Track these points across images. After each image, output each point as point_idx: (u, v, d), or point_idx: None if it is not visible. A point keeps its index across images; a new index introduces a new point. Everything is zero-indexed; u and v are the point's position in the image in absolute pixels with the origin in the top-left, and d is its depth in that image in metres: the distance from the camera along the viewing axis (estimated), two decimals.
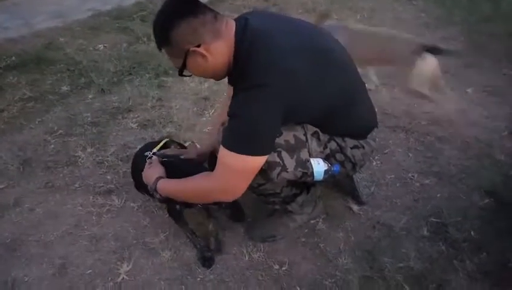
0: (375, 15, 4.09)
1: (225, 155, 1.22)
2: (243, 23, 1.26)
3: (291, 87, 1.19)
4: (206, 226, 1.69)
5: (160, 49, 1.30)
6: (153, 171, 1.49)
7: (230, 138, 1.23)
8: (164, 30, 1.22)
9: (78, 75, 3.07)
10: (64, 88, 2.92)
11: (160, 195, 1.43)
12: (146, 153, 1.63)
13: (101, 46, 3.55)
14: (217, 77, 1.35)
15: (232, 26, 1.26)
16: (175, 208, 1.60)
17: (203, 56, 1.23)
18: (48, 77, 3.08)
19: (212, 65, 1.26)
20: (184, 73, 1.31)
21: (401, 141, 2.24)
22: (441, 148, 2.17)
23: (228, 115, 1.25)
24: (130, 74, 3.08)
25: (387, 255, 1.57)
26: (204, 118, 2.53)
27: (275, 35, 1.24)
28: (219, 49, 1.24)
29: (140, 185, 1.64)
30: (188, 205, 1.55)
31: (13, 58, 3.31)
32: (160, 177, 1.45)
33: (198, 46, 1.21)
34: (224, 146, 1.22)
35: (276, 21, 1.35)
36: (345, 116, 1.42)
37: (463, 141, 2.21)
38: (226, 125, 1.26)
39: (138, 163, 1.65)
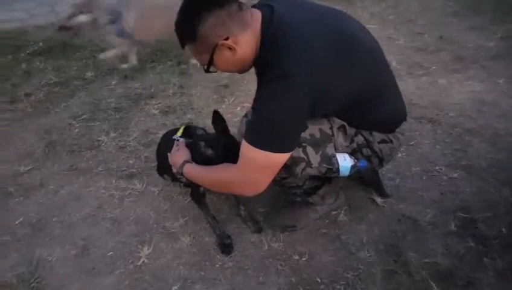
0: (400, 3, 3.96)
1: (248, 150, 1.19)
2: (268, 11, 1.21)
3: (316, 77, 1.15)
4: (236, 213, 1.70)
5: (183, 47, 1.25)
6: (180, 154, 1.49)
7: (253, 132, 1.20)
8: (190, 26, 1.17)
9: (102, 62, 3.10)
10: (89, 74, 2.97)
11: (186, 179, 1.45)
12: (174, 137, 1.63)
13: None
14: (243, 70, 1.31)
15: (258, 15, 1.21)
16: (198, 191, 1.60)
17: (232, 49, 1.18)
18: (73, 63, 3.15)
19: (240, 58, 1.22)
20: (211, 69, 1.26)
21: (428, 133, 2.17)
22: (469, 141, 2.09)
23: (252, 108, 1.22)
24: (153, 61, 3.11)
25: (413, 249, 1.51)
26: (224, 106, 2.52)
27: (300, 23, 1.19)
28: (247, 40, 1.19)
29: (164, 169, 1.65)
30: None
31: (40, 44, 3.40)
32: (186, 161, 1.45)
33: (227, 39, 1.16)
34: (247, 140, 1.19)
35: (301, 8, 1.29)
36: (372, 108, 1.37)
37: (493, 133, 2.12)
38: (250, 118, 1.24)
39: (164, 146, 1.65)
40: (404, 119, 1.51)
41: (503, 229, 1.58)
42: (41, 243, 1.65)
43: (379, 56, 1.37)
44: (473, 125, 2.19)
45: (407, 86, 2.52)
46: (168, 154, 1.56)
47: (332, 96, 1.23)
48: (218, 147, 1.44)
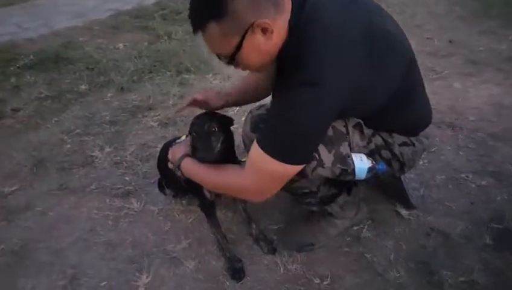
0: (406, 9, 3.98)
1: (262, 159, 1.08)
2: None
3: (349, 86, 1.03)
4: (247, 232, 1.58)
5: (199, 29, 1.04)
6: (180, 148, 1.39)
7: (273, 142, 1.08)
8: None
9: (97, 74, 3.04)
10: (83, 87, 2.88)
11: (182, 174, 1.34)
12: (177, 141, 1.53)
13: (121, 45, 3.55)
14: (265, 66, 1.14)
15: (289, 2, 1.05)
16: (207, 199, 1.46)
17: (266, 33, 1.01)
18: (66, 76, 3.06)
19: (271, 47, 1.05)
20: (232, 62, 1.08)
21: (449, 138, 2.07)
22: (494, 146, 2.00)
23: (270, 112, 1.11)
24: (151, 72, 3.04)
25: (446, 267, 1.39)
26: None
27: (335, 17, 1.04)
28: (281, 27, 1.03)
29: (166, 179, 1.55)
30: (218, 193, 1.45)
31: (31, 57, 3.32)
32: (187, 155, 1.33)
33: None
34: (264, 150, 1.07)
35: None
36: (399, 110, 1.25)
37: None
38: (268, 124, 1.10)
39: (166, 155, 1.52)
40: (430, 122, 1.41)
41: None
42: (25, 273, 1.51)
43: (410, 52, 1.24)
44: (495, 130, 2.10)
45: None
46: (170, 149, 1.45)
47: (362, 103, 1.14)
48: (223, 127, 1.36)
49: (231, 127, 1.43)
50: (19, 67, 3.19)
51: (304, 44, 1.01)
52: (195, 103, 1.48)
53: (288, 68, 1.05)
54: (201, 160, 1.28)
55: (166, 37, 3.56)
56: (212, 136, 1.30)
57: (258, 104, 1.50)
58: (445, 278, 1.34)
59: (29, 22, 4.20)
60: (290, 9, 1.04)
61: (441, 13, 3.86)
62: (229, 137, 1.39)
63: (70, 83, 2.94)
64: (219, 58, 1.11)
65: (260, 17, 0.98)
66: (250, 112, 1.39)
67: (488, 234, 1.50)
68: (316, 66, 1.00)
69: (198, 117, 1.39)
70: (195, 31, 1.05)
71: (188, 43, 3.52)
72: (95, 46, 3.51)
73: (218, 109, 1.50)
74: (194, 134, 1.33)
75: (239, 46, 1.03)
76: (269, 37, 1.01)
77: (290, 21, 1.04)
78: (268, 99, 1.19)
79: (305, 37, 1.01)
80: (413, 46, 1.25)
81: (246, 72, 1.30)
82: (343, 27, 1.03)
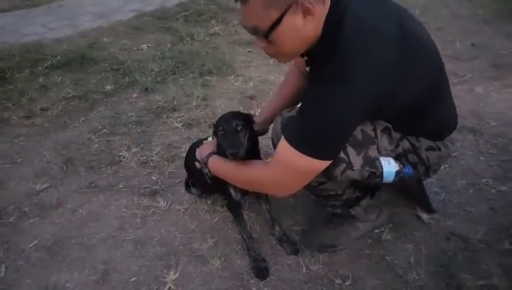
0: (428, 11, 3.91)
1: (289, 153, 1.10)
2: None
3: (380, 84, 1.04)
4: (270, 233, 1.61)
5: None
6: (207, 147, 1.45)
7: (299, 135, 1.10)
8: None
9: (122, 75, 3.08)
10: (108, 87, 2.92)
11: (209, 171, 1.38)
12: (204, 141, 1.56)
13: (144, 46, 3.58)
14: (293, 55, 1.16)
15: None
16: (233, 199, 1.49)
17: (306, 15, 1.01)
18: (91, 76, 3.10)
19: (307, 33, 1.06)
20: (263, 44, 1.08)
21: (470, 143, 2.06)
22: None
23: (302, 108, 1.11)
24: (174, 73, 3.06)
25: (466, 271, 1.40)
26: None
27: (370, 15, 1.06)
28: (320, 14, 1.04)
29: (193, 178, 1.57)
30: (245, 192, 1.48)
31: (58, 57, 3.37)
32: (213, 153, 1.38)
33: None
34: (290, 143, 1.10)
35: None
36: (426, 114, 1.26)
37: None
38: (296, 119, 1.13)
39: (193, 155, 1.56)
40: (455, 127, 1.41)
41: None
42: (58, 268, 1.55)
43: (439, 62, 1.26)
44: None
45: None
46: (197, 149, 1.50)
47: (391, 104, 1.14)
48: (247, 125, 1.40)
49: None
50: (46, 67, 3.24)
51: (337, 41, 1.02)
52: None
53: (322, 62, 1.06)
54: (233, 156, 1.29)
55: (188, 38, 3.57)
56: (240, 133, 1.33)
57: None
58: (464, 282, 1.35)
59: (54, 22, 4.26)
60: (329, 3, 1.05)
61: (464, 15, 3.79)
62: (252, 134, 1.42)
63: (96, 83, 2.98)
64: (253, 33, 1.09)
65: None
66: (281, 113, 1.40)
67: (508, 239, 1.50)
68: (347, 63, 1.01)
69: (222, 117, 1.43)
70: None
71: (210, 44, 3.54)
72: (119, 47, 3.54)
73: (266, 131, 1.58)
74: (222, 132, 1.36)
75: (277, 22, 1.02)
76: (308, 22, 1.03)
77: (328, 14, 1.05)
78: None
79: (340, 32, 1.02)
80: None
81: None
82: (376, 28, 1.04)
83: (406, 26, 1.10)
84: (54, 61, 3.29)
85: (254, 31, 1.08)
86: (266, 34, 1.05)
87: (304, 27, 1.04)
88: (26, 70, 3.22)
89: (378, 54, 1.02)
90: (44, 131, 2.46)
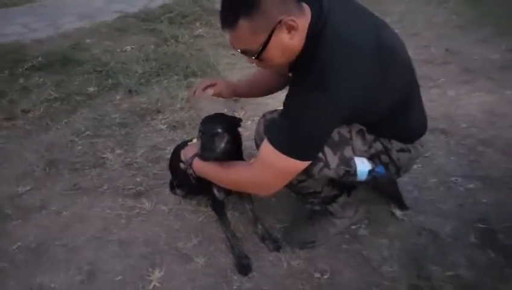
0: (405, 18, 4.01)
1: (271, 154, 1.16)
2: (317, 6, 1.13)
3: (357, 93, 1.11)
4: (253, 231, 1.66)
5: (229, 26, 1.08)
6: (192, 148, 1.49)
7: (281, 138, 1.16)
8: None
9: (105, 76, 3.06)
10: (91, 89, 2.90)
11: (194, 172, 1.43)
12: (189, 143, 1.60)
13: (128, 48, 3.57)
14: (283, 65, 1.20)
15: (308, 8, 1.13)
16: (217, 198, 1.54)
17: (291, 32, 1.07)
18: (74, 78, 3.08)
19: (293, 46, 1.12)
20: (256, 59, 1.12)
21: (442, 144, 2.15)
22: (483, 152, 2.07)
23: (283, 112, 1.18)
24: (158, 75, 3.06)
25: (435, 263, 1.48)
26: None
27: (347, 29, 1.12)
28: (303, 25, 1.10)
29: (177, 176, 1.61)
30: (228, 192, 1.52)
31: (39, 58, 3.32)
32: (198, 155, 1.41)
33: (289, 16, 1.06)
34: (272, 144, 1.16)
35: (350, 9, 1.22)
36: (398, 119, 1.34)
37: (505, 144, 2.10)
38: (279, 123, 1.20)
39: (178, 156, 1.60)
40: (424, 133, 1.50)
41: None
42: (43, 269, 1.56)
43: (411, 66, 1.34)
44: (485, 136, 2.18)
45: None
46: (182, 150, 1.53)
47: (366, 110, 1.22)
48: (228, 128, 1.43)
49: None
50: (27, 68, 3.19)
51: (319, 50, 1.08)
52: (209, 87, 1.60)
53: (303, 71, 1.12)
54: (203, 159, 1.37)
55: (172, 40, 3.56)
56: (216, 137, 1.37)
57: (271, 108, 1.56)
58: (433, 273, 1.43)
59: (36, 22, 4.17)
60: (310, 15, 1.12)
61: (439, 22, 3.89)
62: (235, 137, 1.46)
63: (79, 85, 2.96)
64: (244, 54, 1.15)
65: (288, 14, 1.05)
66: (264, 115, 1.47)
67: (474, 233, 1.59)
68: (328, 73, 1.07)
69: (204, 119, 1.47)
70: (224, 28, 1.10)
71: (195, 47, 3.55)
72: (102, 49, 3.51)
73: (227, 98, 1.64)
74: (200, 134, 1.42)
75: (266, 44, 1.08)
76: (293, 36, 1.09)
77: (309, 26, 1.11)
78: (281, 105, 1.27)
79: (320, 44, 1.08)
80: (410, 54, 1.32)
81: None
82: (356, 39, 1.11)
83: (383, 39, 1.17)
84: (34, 63, 3.24)
85: (244, 53, 1.15)
86: (257, 55, 1.12)
87: (290, 41, 1.10)
88: (6, 72, 3.18)
89: (355, 67, 1.09)
90: (26, 133, 2.44)
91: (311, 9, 1.13)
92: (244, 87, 1.62)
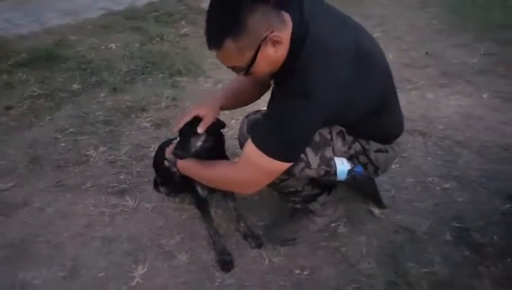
0: (387, 22, 4.08)
1: (255, 154, 1.20)
2: (297, 13, 1.16)
3: (336, 98, 1.17)
4: (236, 229, 1.69)
5: (216, 47, 1.11)
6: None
7: (265, 139, 1.20)
8: (237, 16, 1.05)
9: (90, 74, 3.04)
10: (75, 86, 2.88)
11: (178, 170, 1.45)
12: (173, 141, 1.59)
13: (113, 45, 3.54)
14: (271, 75, 1.25)
15: (289, 17, 1.17)
16: (200, 196, 1.56)
17: (275, 45, 1.11)
18: (58, 75, 3.05)
19: (278, 58, 1.16)
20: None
21: (419, 145, 2.21)
22: (459, 153, 2.14)
23: (267, 115, 1.22)
24: (143, 73, 3.06)
25: (411, 260, 1.53)
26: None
27: (327, 36, 1.16)
28: (286, 38, 1.14)
29: (161, 174, 1.62)
30: (212, 190, 1.54)
31: (23, 55, 3.28)
32: (173, 153, 1.42)
33: (272, 32, 1.09)
34: (256, 145, 1.20)
35: (329, 15, 1.26)
36: (376, 121, 1.39)
37: (481, 145, 2.18)
38: (262, 124, 1.24)
39: (162, 154, 1.61)
40: (401, 133, 1.55)
41: (495, 237, 1.60)
42: (25, 266, 1.56)
43: (388, 70, 1.39)
44: (461, 138, 2.24)
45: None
46: (166, 148, 1.54)
47: (345, 113, 1.27)
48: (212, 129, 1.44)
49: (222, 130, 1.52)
50: (10, 64, 3.15)
51: (300, 58, 1.13)
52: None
53: (286, 78, 1.16)
54: (178, 157, 1.39)
55: (158, 39, 3.56)
56: (192, 137, 1.39)
57: (254, 109, 1.59)
58: (409, 270, 1.48)
59: (19, 18, 4.10)
60: (291, 24, 1.15)
61: (420, 26, 3.97)
62: (217, 138, 1.48)
63: (63, 82, 2.93)
64: (233, 70, 1.20)
65: (271, 30, 1.08)
66: (247, 115, 1.51)
67: (449, 231, 1.64)
68: (309, 80, 1.13)
69: (191, 120, 1.47)
70: (211, 47, 1.13)
71: (180, 45, 3.55)
72: (87, 46, 3.48)
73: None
74: (178, 133, 1.45)
75: (253, 60, 1.12)
76: (278, 48, 1.13)
77: (291, 35, 1.15)
78: (264, 106, 1.30)
79: (302, 52, 1.13)
80: (392, 57, 1.38)
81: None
82: (335, 46, 1.16)
83: (361, 45, 1.22)
84: (18, 59, 3.20)
85: (233, 68, 1.19)
86: (245, 71, 1.17)
87: (275, 54, 1.14)
88: None
89: (335, 72, 1.14)
90: (10, 130, 2.42)
91: (291, 17, 1.17)
92: (231, 100, 1.59)
